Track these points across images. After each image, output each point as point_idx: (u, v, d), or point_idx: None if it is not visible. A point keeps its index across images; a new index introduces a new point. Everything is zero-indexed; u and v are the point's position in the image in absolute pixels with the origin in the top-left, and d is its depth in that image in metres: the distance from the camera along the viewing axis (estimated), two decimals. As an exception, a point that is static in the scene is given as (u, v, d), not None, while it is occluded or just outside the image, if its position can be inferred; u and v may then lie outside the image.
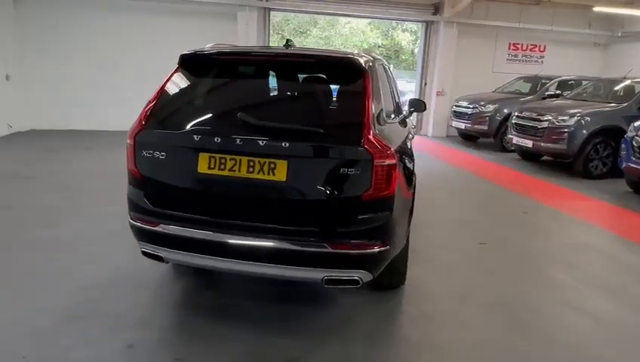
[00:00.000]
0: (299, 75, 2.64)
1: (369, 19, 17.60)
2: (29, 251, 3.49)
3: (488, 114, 9.43)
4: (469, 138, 10.65)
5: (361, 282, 2.43)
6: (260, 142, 2.29)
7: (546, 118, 7.36)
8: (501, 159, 8.59)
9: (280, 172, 2.30)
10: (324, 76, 2.62)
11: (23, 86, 9.18)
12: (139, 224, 2.56)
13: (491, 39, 11.36)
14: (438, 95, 11.20)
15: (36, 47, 9.25)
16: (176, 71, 2.68)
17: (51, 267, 3.23)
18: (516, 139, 7.99)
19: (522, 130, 7.83)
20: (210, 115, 2.49)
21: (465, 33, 10.93)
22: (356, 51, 2.95)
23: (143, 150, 2.49)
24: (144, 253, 2.61)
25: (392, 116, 3.07)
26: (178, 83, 2.63)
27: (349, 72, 2.52)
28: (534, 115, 7.62)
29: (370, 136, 2.28)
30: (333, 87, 2.60)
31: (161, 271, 3.17)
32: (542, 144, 7.39)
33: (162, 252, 2.53)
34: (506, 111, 9.14)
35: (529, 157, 8.40)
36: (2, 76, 8.69)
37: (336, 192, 2.32)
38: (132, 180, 2.59)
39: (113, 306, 2.76)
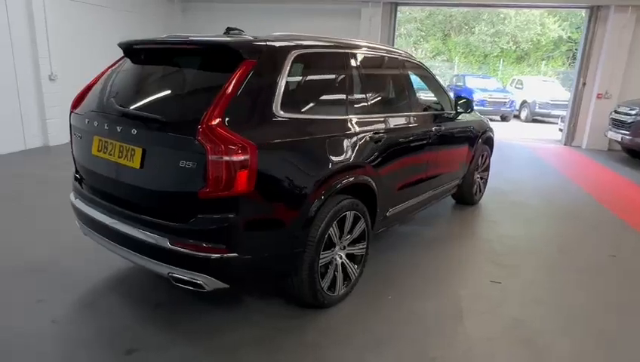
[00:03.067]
0: (181, 62, 2.52)
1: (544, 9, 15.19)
2: (51, 213, 4.18)
3: (656, 124, 7.15)
4: (637, 154, 8.26)
5: (206, 287, 2.22)
6: (118, 128, 2.32)
7: None
8: (660, 184, 6.44)
9: (136, 159, 2.28)
10: (201, 62, 2.44)
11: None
12: (71, 198, 2.87)
13: (692, 26, 8.52)
14: (599, 98, 9.03)
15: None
16: (119, 59, 2.89)
17: (56, 227, 3.81)
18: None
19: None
20: (104, 100, 2.59)
21: (646, 19, 8.48)
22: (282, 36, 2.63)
23: (72, 131, 2.78)
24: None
25: (325, 111, 2.64)
26: (110, 70, 2.81)
27: (224, 58, 2.29)
28: None
29: (210, 128, 2.04)
30: (205, 73, 2.41)
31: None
32: None
33: (78, 224, 2.80)
34: (686, 121, 6.79)
35: None
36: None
37: (176, 186, 2.19)
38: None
39: (70, 267, 3.13)
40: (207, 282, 2.21)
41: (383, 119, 3.13)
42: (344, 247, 2.84)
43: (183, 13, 10.89)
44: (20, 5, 6.59)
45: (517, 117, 15.92)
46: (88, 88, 2.81)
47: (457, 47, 20.91)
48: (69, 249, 3.42)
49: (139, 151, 2.27)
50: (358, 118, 2.88)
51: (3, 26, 6.41)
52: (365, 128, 2.90)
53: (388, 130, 3.11)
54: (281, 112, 2.34)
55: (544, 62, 20.68)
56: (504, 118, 15.48)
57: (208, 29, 10.41)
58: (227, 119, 2.10)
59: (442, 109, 4.22)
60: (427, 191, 3.87)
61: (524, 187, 6.07)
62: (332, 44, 2.90)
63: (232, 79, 2.18)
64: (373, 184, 2.94)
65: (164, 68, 2.56)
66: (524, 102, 15.77)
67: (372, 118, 3.02)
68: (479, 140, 4.76)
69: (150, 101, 2.44)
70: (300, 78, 2.60)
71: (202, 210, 2.14)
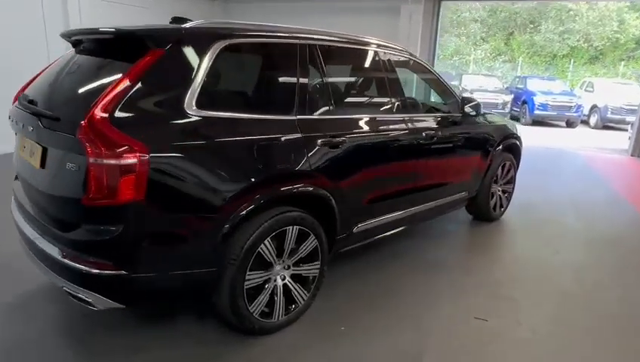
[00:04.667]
0: (97, 53, 2.26)
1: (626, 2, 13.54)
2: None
3: None
4: None
5: (97, 306, 1.97)
6: (21, 125, 2.15)
7: None
8: None
9: (37, 158, 2.09)
10: (112, 53, 2.16)
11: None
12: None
13: None
14: (675, 103, 7.76)
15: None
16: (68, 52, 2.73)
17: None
18: None
19: None
20: (24, 96, 2.42)
21: None
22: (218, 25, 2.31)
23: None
24: None
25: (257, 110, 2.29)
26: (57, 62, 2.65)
27: (133, 49, 2.01)
28: None
29: (91, 125, 1.77)
30: (112, 65, 2.12)
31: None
32: None
33: None
34: None
35: None
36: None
37: (64, 190, 1.97)
38: None
39: (19, 267, 3.04)
40: (96, 301, 1.95)
41: (347, 121, 2.71)
42: (288, 267, 2.47)
43: (224, 13, 10.97)
44: (56, 3, 6.87)
45: (585, 123, 14.37)
46: (30, 82, 2.68)
47: (521, 46, 19.21)
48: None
49: (40, 150, 2.07)
50: (310, 119, 2.49)
51: (39, 23, 6.69)
52: (320, 131, 2.49)
53: (354, 134, 2.69)
54: (196, 110, 2.03)
55: (623, 62, 18.43)
56: (570, 124, 14.02)
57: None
58: (117, 116, 1.82)
59: (449, 112, 3.69)
60: (417, 204, 3.36)
61: (562, 203, 5.26)
62: (280, 34, 2.52)
63: (129, 71, 1.90)
64: (330, 196, 2.54)
65: (83, 59, 2.33)
66: (593, 107, 14.18)
67: (332, 119, 2.62)
68: (498, 148, 4.13)
69: (52, 96, 2.23)
70: (230, 71, 2.28)
71: (87, 220, 1.89)
